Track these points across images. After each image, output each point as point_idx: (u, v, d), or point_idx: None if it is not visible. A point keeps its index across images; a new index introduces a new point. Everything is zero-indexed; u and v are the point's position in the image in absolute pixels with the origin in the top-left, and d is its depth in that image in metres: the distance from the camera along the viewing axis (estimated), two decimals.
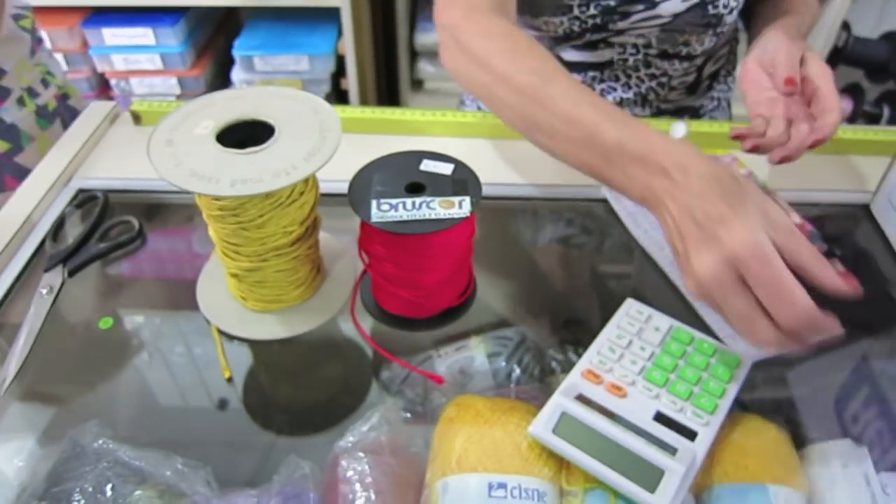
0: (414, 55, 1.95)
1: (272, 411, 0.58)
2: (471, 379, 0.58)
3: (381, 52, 1.98)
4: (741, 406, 0.56)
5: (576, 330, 0.63)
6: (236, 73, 1.71)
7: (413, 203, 0.53)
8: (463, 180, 0.56)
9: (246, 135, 0.54)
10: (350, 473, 0.50)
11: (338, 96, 1.82)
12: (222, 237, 0.56)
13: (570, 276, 0.71)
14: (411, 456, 0.53)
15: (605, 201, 0.75)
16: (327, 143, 0.52)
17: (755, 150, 0.67)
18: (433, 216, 0.53)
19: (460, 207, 0.53)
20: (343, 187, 0.56)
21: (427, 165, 0.58)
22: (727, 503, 0.47)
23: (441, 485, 0.48)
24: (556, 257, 0.73)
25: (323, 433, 0.56)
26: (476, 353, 0.60)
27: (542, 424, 0.48)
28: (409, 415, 0.56)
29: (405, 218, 0.52)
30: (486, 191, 0.75)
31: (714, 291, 0.47)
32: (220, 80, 1.80)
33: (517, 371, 0.59)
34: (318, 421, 0.57)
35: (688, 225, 0.49)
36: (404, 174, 0.56)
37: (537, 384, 0.58)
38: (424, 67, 1.93)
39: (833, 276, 0.46)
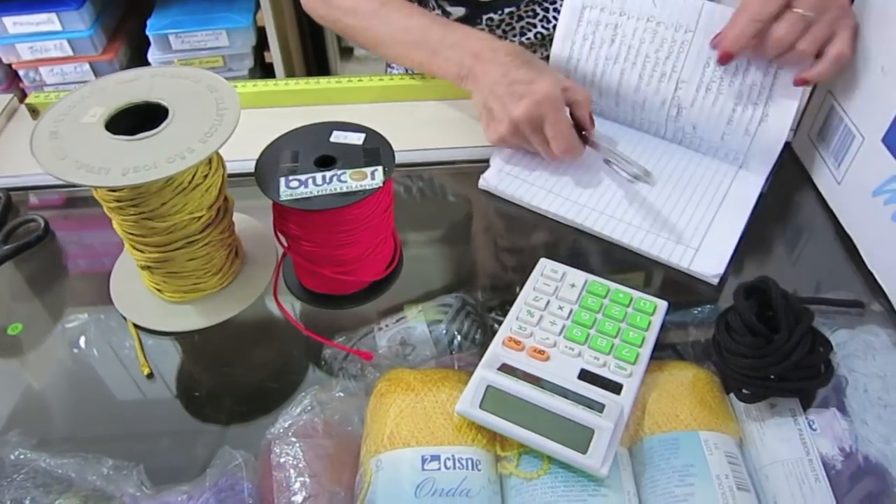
0: None
1: (205, 403, 0.56)
2: (412, 349, 0.57)
3: (306, 21, 1.92)
4: (675, 353, 0.56)
5: (516, 290, 0.62)
6: (153, 55, 1.64)
7: (323, 177, 0.51)
8: (375, 149, 0.54)
9: (139, 120, 0.51)
10: (283, 459, 0.49)
11: (263, 70, 1.77)
12: (126, 230, 0.53)
13: (502, 237, 0.70)
14: (347, 435, 0.52)
15: None
16: (225, 121, 0.50)
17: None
18: (345, 189, 0.51)
19: (372, 178, 0.51)
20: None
21: (337, 137, 0.55)
22: (659, 454, 0.47)
23: (374, 462, 0.47)
24: (486, 219, 0.72)
25: (259, 420, 0.54)
26: (416, 323, 0.59)
27: (468, 401, 0.47)
28: (341, 394, 0.55)
29: (316, 194, 0.50)
30: (406, 157, 0.73)
31: (525, 126, 0.67)
32: (137, 62, 1.72)
33: (458, 337, 0.58)
34: (253, 409, 0.56)
35: (500, 88, 0.68)
36: (314, 148, 0.54)
37: (478, 349, 0.57)
38: None
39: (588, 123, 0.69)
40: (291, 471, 0.48)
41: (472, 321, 0.59)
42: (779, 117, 0.68)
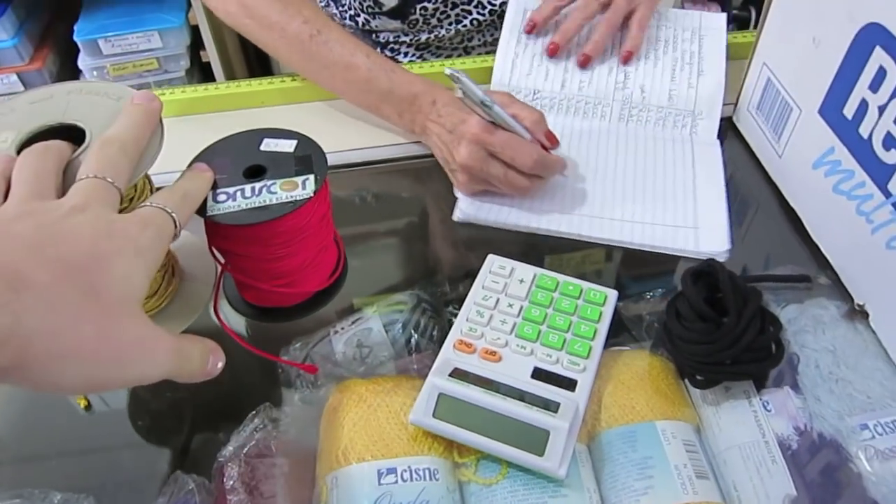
0: None
1: (157, 428, 0.55)
2: (370, 351, 0.56)
3: None
4: (630, 337, 0.56)
5: (470, 284, 0.61)
6: (83, 61, 1.58)
7: (252, 189, 0.49)
8: (307, 157, 0.52)
9: None
10: (234, 482, 0.47)
11: (201, 70, 1.72)
12: None
13: (453, 232, 0.69)
14: (303, 451, 0.50)
15: None
16: (151, 145, 0.47)
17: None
18: (275, 200, 0.48)
19: (304, 188, 0.49)
20: None
21: (268, 144, 0.53)
22: (617, 448, 0.46)
23: (330, 479, 0.46)
24: (435, 216, 0.70)
25: (213, 442, 0.51)
26: (372, 324, 0.57)
27: (420, 410, 0.46)
28: (293, 408, 0.53)
29: (244, 207, 0.48)
30: (348, 157, 0.71)
31: (475, 167, 0.62)
32: (68, 70, 1.66)
33: (415, 336, 0.56)
34: (206, 430, 0.55)
35: (446, 136, 0.65)
36: (242, 158, 0.52)
37: (437, 347, 0.56)
38: None
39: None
40: (245, 494, 0.47)
41: (429, 318, 0.58)
42: (713, 69, 0.76)
